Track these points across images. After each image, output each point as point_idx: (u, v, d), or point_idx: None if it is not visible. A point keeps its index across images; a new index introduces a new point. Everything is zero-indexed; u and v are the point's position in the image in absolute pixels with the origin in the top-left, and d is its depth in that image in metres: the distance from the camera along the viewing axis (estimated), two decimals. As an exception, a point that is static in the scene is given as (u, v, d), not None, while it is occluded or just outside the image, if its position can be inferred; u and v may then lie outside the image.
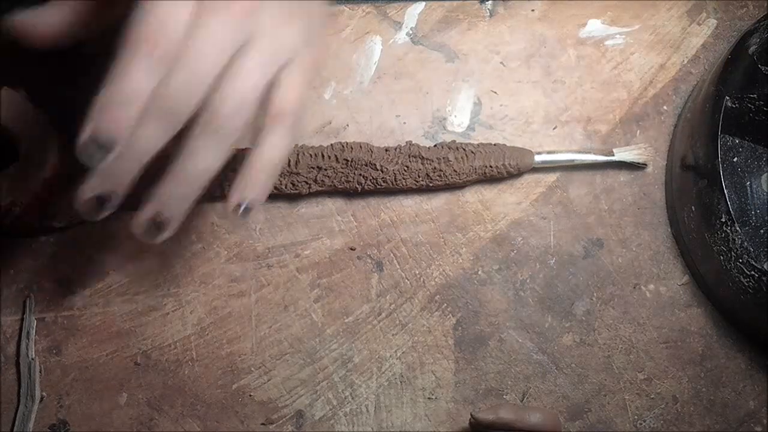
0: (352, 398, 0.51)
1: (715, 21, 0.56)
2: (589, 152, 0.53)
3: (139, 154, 0.38)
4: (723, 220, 0.47)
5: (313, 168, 0.51)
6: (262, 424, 0.50)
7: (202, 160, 0.40)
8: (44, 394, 0.50)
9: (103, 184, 0.39)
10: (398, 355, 0.51)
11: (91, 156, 0.36)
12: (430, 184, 0.52)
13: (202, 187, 0.41)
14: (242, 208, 0.42)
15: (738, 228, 0.47)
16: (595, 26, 0.56)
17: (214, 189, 0.51)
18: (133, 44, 0.36)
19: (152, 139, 0.38)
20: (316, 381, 0.51)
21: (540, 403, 0.51)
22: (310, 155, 0.51)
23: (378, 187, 0.52)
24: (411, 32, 0.56)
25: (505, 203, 0.54)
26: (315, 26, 0.45)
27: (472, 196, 0.54)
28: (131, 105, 0.36)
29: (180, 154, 0.40)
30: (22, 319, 0.51)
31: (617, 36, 0.56)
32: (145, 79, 0.36)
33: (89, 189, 0.39)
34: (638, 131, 0.55)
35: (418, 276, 0.52)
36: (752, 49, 0.49)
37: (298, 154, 0.51)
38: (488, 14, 0.56)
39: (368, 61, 0.55)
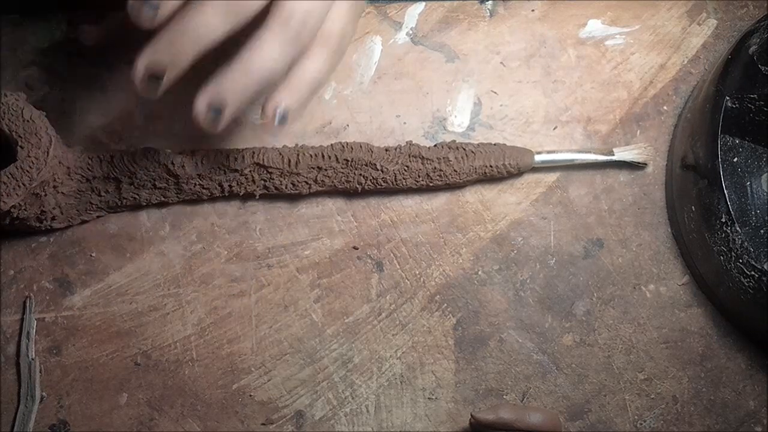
0: (352, 398, 0.51)
1: (715, 21, 0.56)
2: (589, 152, 0.53)
3: (198, 37, 0.40)
4: (723, 220, 0.47)
5: (314, 168, 0.51)
6: (262, 424, 0.50)
7: (269, 54, 0.41)
8: (44, 394, 0.50)
9: (157, 55, 0.40)
10: (398, 355, 0.51)
11: (139, 11, 0.38)
12: (430, 184, 0.52)
13: (262, 84, 0.42)
14: (278, 113, 0.43)
15: (738, 228, 0.47)
16: (595, 26, 0.56)
17: (213, 188, 0.51)
18: None
19: (212, 27, 0.40)
20: (316, 381, 0.51)
21: (540, 403, 0.51)
22: (311, 155, 0.51)
23: (378, 187, 0.52)
24: (411, 32, 0.56)
25: (505, 203, 0.54)
26: None
27: (472, 196, 0.54)
28: None
29: (248, 45, 0.41)
30: (22, 319, 0.51)
31: (617, 36, 0.56)
32: None
33: (144, 56, 0.40)
34: (638, 131, 0.55)
35: (418, 276, 0.52)
36: (752, 49, 0.49)
37: (298, 155, 0.50)
38: (488, 14, 0.56)
39: (368, 61, 0.55)
